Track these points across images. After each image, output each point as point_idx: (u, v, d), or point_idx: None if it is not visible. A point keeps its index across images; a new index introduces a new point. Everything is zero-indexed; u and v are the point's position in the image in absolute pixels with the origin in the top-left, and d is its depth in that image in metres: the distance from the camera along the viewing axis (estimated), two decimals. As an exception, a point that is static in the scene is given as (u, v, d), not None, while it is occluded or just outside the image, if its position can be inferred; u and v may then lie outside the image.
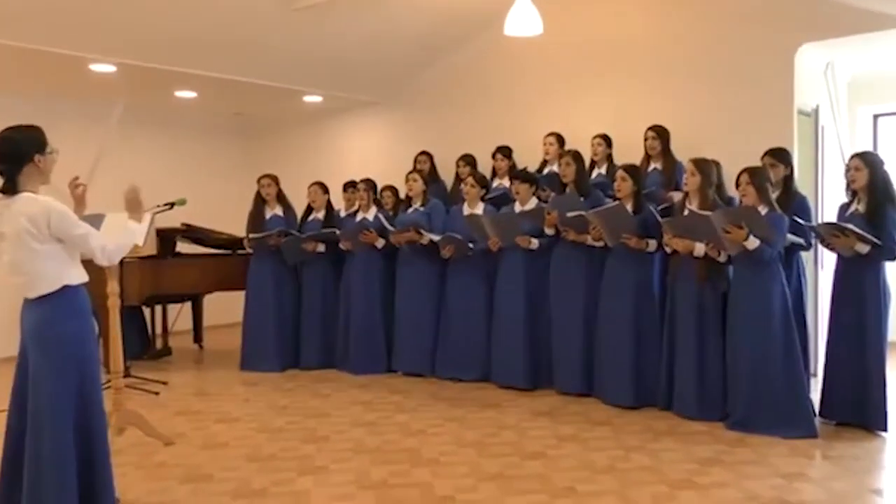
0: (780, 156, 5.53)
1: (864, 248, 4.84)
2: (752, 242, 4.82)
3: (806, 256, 5.86)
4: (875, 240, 4.80)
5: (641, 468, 4.35)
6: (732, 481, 4.11)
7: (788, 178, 5.51)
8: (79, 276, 3.43)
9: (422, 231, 6.58)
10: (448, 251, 6.49)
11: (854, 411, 5.01)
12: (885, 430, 4.91)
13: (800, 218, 5.24)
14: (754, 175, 5.02)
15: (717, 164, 5.52)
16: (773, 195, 5.09)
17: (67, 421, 3.31)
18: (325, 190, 7.37)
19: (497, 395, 6.14)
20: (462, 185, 6.77)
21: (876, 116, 8.13)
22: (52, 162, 3.43)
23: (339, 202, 7.53)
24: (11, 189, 3.31)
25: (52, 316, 3.33)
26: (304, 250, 7.12)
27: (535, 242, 6.11)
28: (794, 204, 5.38)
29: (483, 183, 6.71)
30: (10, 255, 3.32)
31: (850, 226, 4.86)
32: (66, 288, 3.35)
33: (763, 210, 4.93)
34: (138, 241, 3.66)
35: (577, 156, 6.16)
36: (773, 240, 4.85)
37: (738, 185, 5.10)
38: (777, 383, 4.89)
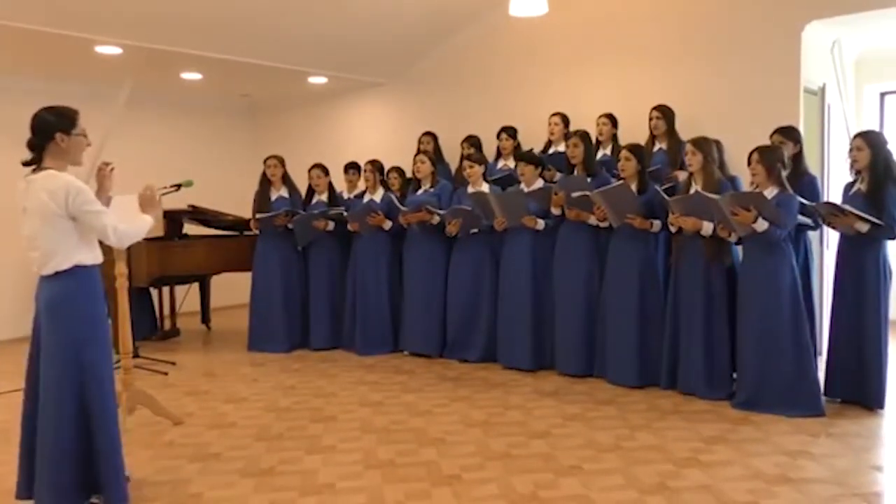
0: (789, 133, 5.53)
1: (864, 227, 4.84)
2: (761, 225, 4.81)
3: (812, 236, 5.86)
4: (874, 219, 4.80)
5: (647, 447, 4.38)
6: (737, 459, 4.14)
7: (797, 157, 5.50)
8: (93, 258, 3.50)
9: (432, 211, 6.59)
10: (455, 226, 6.49)
11: (855, 389, 5.04)
12: (882, 407, 4.94)
13: (808, 197, 5.22)
14: (764, 154, 4.99)
15: (717, 142, 5.50)
16: (784, 174, 5.08)
17: (67, 398, 3.38)
18: (326, 172, 7.37)
19: (502, 375, 6.17)
20: (464, 169, 6.77)
21: (883, 94, 8.08)
22: (79, 144, 3.51)
23: (339, 183, 7.53)
24: (36, 162, 3.44)
25: (64, 293, 3.41)
26: (316, 229, 7.14)
27: (541, 223, 6.11)
28: (802, 183, 5.37)
29: (480, 160, 6.69)
30: (30, 229, 3.42)
31: (848, 206, 4.87)
32: (78, 267, 3.42)
33: (774, 190, 4.91)
34: (145, 233, 3.72)
35: (584, 136, 6.14)
36: (783, 221, 4.84)
37: (749, 164, 5.09)
38: (785, 363, 4.90)
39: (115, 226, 3.46)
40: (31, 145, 3.45)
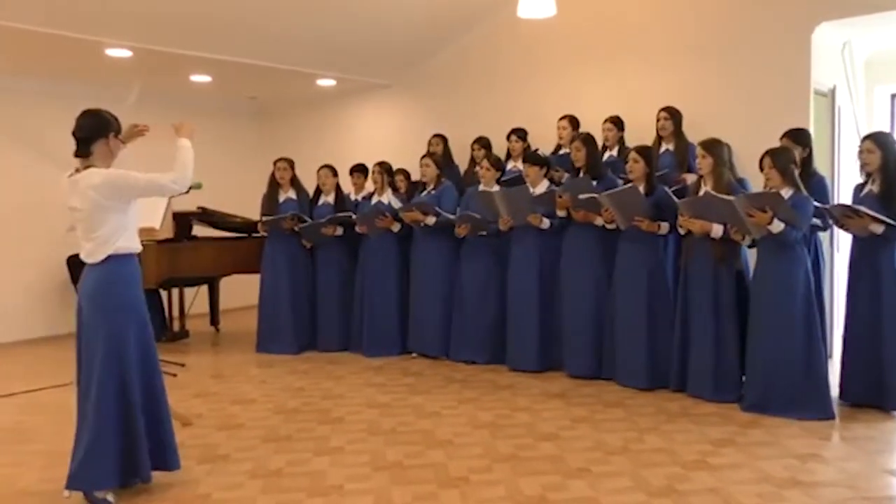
0: (798, 137, 5.50)
1: (878, 229, 4.81)
2: (777, 226, 4.78)
3: (822, 238, 5.83)
4: (889, 220, 4.77)
5: (655, 449, 4.37)
6: (746, 462, 4.12)
7: (807, 160, 5.47)
8: (136, 246, 3.75)
9: (426, 211, 6.59)
10: (463, 230, 6.49)
11: (870, 392, 4.99)
12: (900, 409, 4.91)
13: (817, 198, 5.20)
14: (776, 157, 4.95)
15: (726, 145, 5.48)
16: (797, 174, 5.05)
17: (113, 380, 3.60)
18: (335, 173, 7.37)
19: (510, 377, 6.16)
20: (477, 168, 6.76)
21: (893, 96, 8.04)
22: (119, 148, 3.80)
23: (346, 186, 7.52)
24: (85, 153, 3.65)
25: (109, 277, 3.64)
26: (324, 234, 7.15)
27: (546, 222, 6.10)
28: (812, 185, 5.34)
29: (498, 165, 6.69)
30: (83, 223, 3.64)
31: (863, 207, 4.84)
32: (122, 253, 3.66)
33: (788, 192, 4.88)
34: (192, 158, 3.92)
35: (586, 139, 6.11)
36: (799, 223, 4.81)
37: (762, 168, 5.06)
38: (797, 366, 4.87)
39: (171, 177, 3.73)
40: (83, 139, 3.65)
